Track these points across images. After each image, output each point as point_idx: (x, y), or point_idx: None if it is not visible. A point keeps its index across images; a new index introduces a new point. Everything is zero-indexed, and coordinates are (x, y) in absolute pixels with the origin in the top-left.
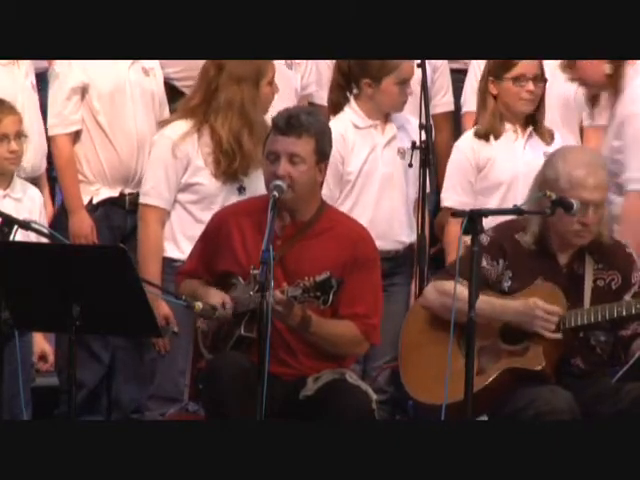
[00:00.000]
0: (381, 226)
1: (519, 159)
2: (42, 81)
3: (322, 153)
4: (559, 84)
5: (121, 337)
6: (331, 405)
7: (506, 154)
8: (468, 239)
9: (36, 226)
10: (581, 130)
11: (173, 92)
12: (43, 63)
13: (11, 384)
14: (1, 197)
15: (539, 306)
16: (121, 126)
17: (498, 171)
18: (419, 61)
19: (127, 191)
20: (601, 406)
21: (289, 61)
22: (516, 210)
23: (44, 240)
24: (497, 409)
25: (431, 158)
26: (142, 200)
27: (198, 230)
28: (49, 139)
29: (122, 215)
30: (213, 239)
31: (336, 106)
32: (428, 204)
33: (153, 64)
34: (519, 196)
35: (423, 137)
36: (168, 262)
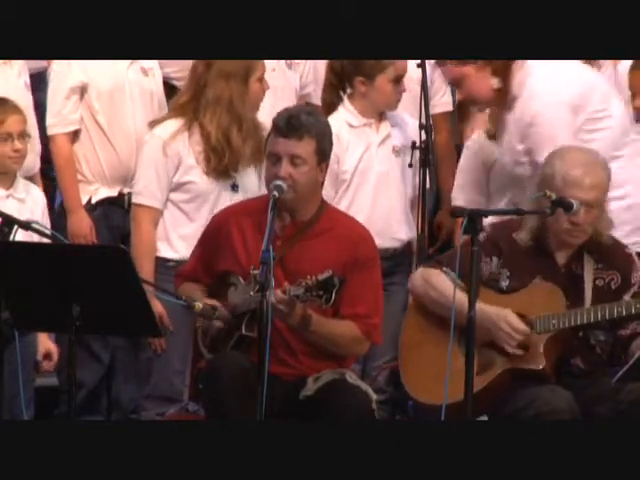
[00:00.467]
0: (378, 224)
1: None
2: (41, 81)
3: (323, 153)
4: None
5: (121, 337)
6: (331, 405)
7: None
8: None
9: (36, 226)
10: None
11: (172, 92)
12: (42, 63)
13: (11, 384)
14: (4, 197)
15: (508, 321)
16: (120, 126)
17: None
18: (419, 61)
19: (126, 191)
20: (601, 407)
21: (289, 61)
22: (516, 210)
23: (45, 240)
24: (497, 409)
25: (431, 158)
26: (134, 200)
27: (191, 229)
28: (47, 138)
29: (121, 215)
30: (213, 239)
31: (329, 106)
32: (427, 203)
33: (152, 64)
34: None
35: (423, 137)
36: (161, 262)
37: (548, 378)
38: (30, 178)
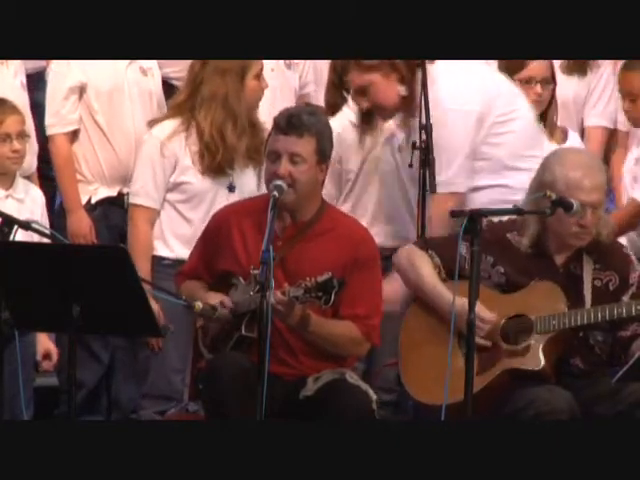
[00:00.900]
0: (384, 223)
1: None
2: (40, 80)
3: (323, 153)
4: (558, 85)
5: (121, 337)
6: (331, 405)
7: None
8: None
9: (36, 226)
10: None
11: (171, 91)
12: (41, 62)
13: (11, 384)
14: (3, 197)
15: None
16: (119, 126)
17: None
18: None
19: (125, 190)
20: (600, 407)
21: (287, 61)
22: (516, 210)
23: (45, 240)
24: (497, 409)
25: (431, 158)
26: (131, 200)
27: (187, 229)
28: (46, 138)
29: (121, 214)
30: (213, 238)
31: (333, 106)
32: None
33: (151, 64)
34: None
35: (423, 137)
36: (157, 260)
37: (548, 378)
38: (27, 178)
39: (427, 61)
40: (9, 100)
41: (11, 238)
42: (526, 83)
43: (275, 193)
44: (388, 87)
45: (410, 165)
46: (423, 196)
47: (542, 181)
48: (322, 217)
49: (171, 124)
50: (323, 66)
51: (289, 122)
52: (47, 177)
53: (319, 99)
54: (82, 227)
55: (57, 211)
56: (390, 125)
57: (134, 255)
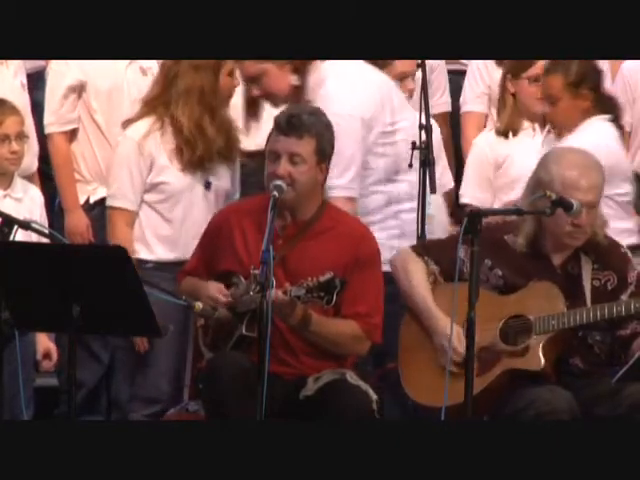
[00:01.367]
0: None
1: (537, 156)
2: (39, 79)
3: (323, 153)
4: None
5: (121, 337)
6: (331, 405)
7: (524, 151)
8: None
9: (36, 226)
10: None
11: None
12: (41, 62)
13: (11, 384)
14: (2, 197)
15: (450, 338)
16: (118, 125)
17: (516, 168)
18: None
19: None
20: (600, 407)
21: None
22: (516, 210)
23: (44, 240)
24: (497, 410)
25: (431, 158)
26: (108, 203)
27: (167, 230)
28: (45, 137)
29: None
30: (214, 238)
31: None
32: None
33: (151, 64)
34: None
35: (423, 137)
36: (139, 264)
37: (548, 378)
38: (28, 178)
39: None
40: (8, 101)
41: (11, 238)
42: (534, 81)
43: (275, 193)
44: (281, 76)
45: (410, 165)
46: (423, 196)
47: (539, 180)
48: (322, 216)
49: (145, 123)
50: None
51: (289, 122)
52: (48, 177)
53: None
54: (79, 226)
55: (57, 211)
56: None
57: None
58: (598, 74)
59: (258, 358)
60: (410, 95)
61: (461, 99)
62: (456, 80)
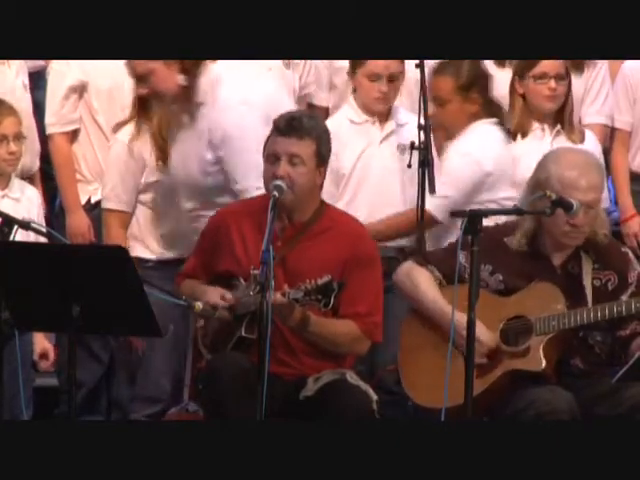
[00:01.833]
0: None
1: None
2: (40, 79)
3: (322, 156)
4: None
5: (121, 337)
6: (331, 405)
7: (533, 152)
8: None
9: (36, 226)
10: None
11: None
12: (41, 62)
13: (11, 384)
14: (0, 197)
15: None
16: None
17: (525, 169)
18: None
19: None
20: (601, 407)
21: (287, 61)
22: (516, 210)
23: (43, 240)
24: (497, 411)
25: (430, 159)
26: (103, 205)
27: (164, 228)
28: (46, 138)
29: None
30: (212, 239)
31: None
32: None
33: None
34: None
35: (422, 137)
36: (140, 263)
37: (549, 379)
38: (29, 178)
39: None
40: (6, 101)
41: (11, 238)
42: (539, 79)
43: (275, 193)
44: (169, 76)
45: (409, 165)
46: (422, 196)
47: (538, 180)
48: (321, 217)
49: (133, 126)
50: (323, 66)
51: (290, 124)
52: (49, 177)
53: (318, 100)
54: (80, 226)
55: (57, 211)
56: (391, 123)
57: None
58: (487, 78)
59: (258, 359)
60: (380, 98)
61: None
62: None
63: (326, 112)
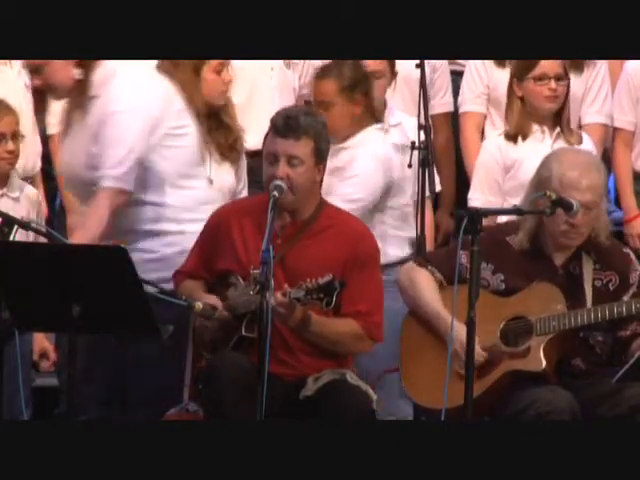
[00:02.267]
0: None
1: None
2: None
3: (320, 153)
4: None
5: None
6: (331, 405)
7: (534, 154)
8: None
9: (35, 226)
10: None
11: None
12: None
13: (11, 384)
14: None
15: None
16: None
17: (526, 171)
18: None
19: None
20: (601, 407)
21: (287, 61)
22: (516, 210)
23: (43, 239)
24: (498, 411)
25: (430, 159)
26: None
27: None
28: (45, 138)
29: None
30: (212, 238)
31: None
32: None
33: (153, 64)
34: None
35: (422, 137)
36: None
37: (549, 379)
38: (31, 178)
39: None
40: (3, 100)
41: (11, 238)
42: (539, 80)
43: (275, 193)
44: (63, 68)
45: (409, 165)
46: (422, 196)
47: (540, 179)
48: (320, 215)
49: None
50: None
51: (286, 124)
52: (50, 177)
53: None
54: None
55: (57, 210)
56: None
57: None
58: (368, 80)
59: (258, 359)
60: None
61: (459, 99)
62: (454, 80)
63: None
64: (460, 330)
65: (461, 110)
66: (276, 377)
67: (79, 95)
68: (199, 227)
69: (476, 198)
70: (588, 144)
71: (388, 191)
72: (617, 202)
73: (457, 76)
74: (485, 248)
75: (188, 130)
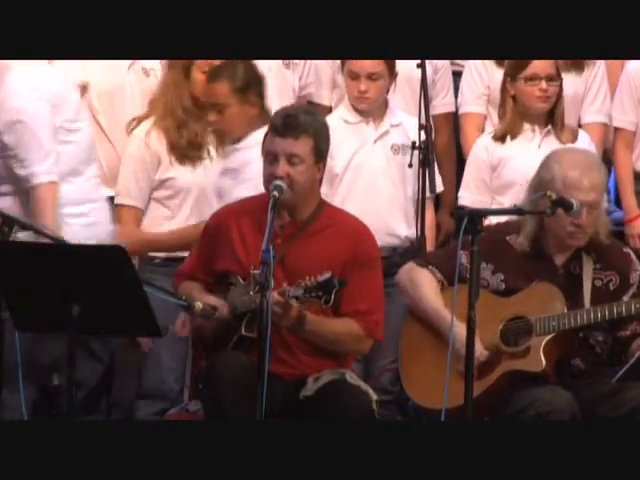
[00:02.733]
0: (371, 220)
1: (533, 158)
2: None
3: (320, 152)
4: None
5: (121, 337)
6: (331, 405)
7: (520, 153)
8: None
9: (36, 226)
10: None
11: None
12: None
13: (11, 384)
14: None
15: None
16: (120, 126)
17: (512, 170)
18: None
19: None
20: (601, 407)
21: (287, 61)
22: (516, 210)
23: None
24: (498, 411)
25: (431, 159)
26: (116, 201)
27: (175, 225)
28: None
29: None
30: (212, 238)
31: None
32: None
33: (153, 64)
34: None
35: (423, 137)
36: (148, 259)
37: (549, 379)
38: None
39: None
40: None
41: (11, 238)
42: (530, 80)
43: (275, 193)
44: None
45: (410, 165)
46: (423, 196)
47: (541, 181)
48: (320, 215)
49: (149, 122)
50: (324, 66)
51: (286, 123)
52: None
53: (319, 99)
54: None
55: None
56: (385, 124)
57: None
58: (261, 82)
59: (258, 358)
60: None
61: (459, 100)
62: (454, 81)
63: (329, 110)
64: (461, 330)
65: (461, 111)
66: (276, 377)
67: None
68: (83, 221)
69: (465, 197)
70: (584, 141)
71: None
72: (617, 202)
73: (456, 77)
74: (485, 248)
75: (81, 125)
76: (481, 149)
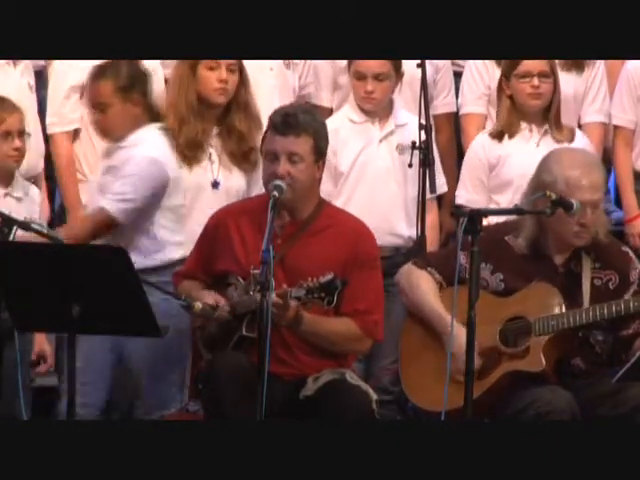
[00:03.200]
0: (375, 219)
1: (531, 157)
2: (40, 78)
3: (320, 151)
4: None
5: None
6: (331, 405)
7: (518, 152)
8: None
9: (36, 226)
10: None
11: None
12: (42, 62)
13: (10, 384)
14: (2, 196)
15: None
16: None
17: (509, 169)
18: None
19: None
20: (601, 407)
21: (287, 61)
22: (516, 210)
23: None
24: (498, 412)
25: (431, 159)
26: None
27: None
28: (47, 138)
29: None
30: (211, 239)
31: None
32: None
33: (154, 64)
34: None
35: (423, 137)
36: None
37: (549, 379)
38: (34, 178)
39: None
40: (9, 98)
41: (11, 238)
42: (522, 77)
43: (275, 193)
44: None
45: (410, 165)
46: (423, 196)
47: (541, 181)
48: (320, 214)
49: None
50: (324, 67)
51: (285, 122)
52: (50, 177)
53: (318, 100)
54: None
55: (57, 211)
56: (390, 123)
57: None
58: (146, 80)
59: (258, 358)
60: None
61: (459, 101)
62: (454, 82)
63: (329, 112)
64: (460, 332)
65: (462, 112)
66: (276, 377)
67: None
68: None
69: (461, 196)
70: (581, 141)
71: (163, 191)
72: (617, 202)
73: (456, 77)
74: (484, 248)
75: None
76: (478, 147)
